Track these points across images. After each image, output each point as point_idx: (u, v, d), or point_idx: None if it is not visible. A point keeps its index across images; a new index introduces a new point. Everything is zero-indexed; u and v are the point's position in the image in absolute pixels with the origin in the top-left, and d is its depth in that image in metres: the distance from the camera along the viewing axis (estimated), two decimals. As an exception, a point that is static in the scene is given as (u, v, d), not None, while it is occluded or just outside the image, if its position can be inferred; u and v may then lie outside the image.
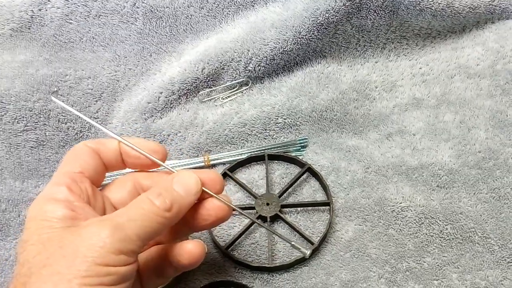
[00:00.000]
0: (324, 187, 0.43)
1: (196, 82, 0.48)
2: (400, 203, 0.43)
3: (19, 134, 0.47)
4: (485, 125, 0.48)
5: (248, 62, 0.48)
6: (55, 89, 0.37)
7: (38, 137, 0.47)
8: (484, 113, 0.49)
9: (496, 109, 0.49)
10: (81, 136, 0.48)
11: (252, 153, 0.46)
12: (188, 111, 0.48)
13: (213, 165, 0.46)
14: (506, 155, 0.45)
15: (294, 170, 0.46)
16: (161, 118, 0.48)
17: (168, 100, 0.48)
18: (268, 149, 0.46)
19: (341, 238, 0.42)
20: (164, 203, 0.27)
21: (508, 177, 0.44)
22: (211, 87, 0.48)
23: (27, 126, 0.47)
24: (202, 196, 0.30)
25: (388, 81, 0.51)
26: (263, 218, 0.42)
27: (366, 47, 0.52)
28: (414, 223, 0.42)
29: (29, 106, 0.47)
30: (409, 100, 0.50)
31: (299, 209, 0.43)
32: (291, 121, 0.48)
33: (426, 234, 0.41)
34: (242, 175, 0.46)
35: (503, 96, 0.50)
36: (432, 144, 0.47)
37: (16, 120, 0.47)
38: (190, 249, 0.29)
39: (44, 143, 0.47)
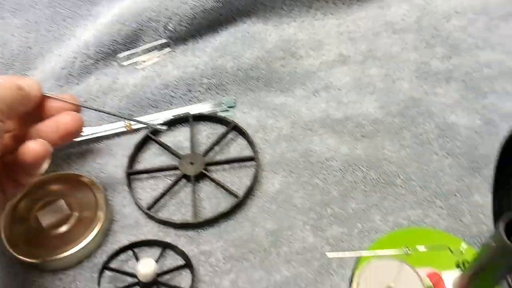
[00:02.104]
0: (250, 143, 0.47)
1: (113, 45, 0.51)
2: (325, 153, 0.47)
3: None
4: (409, 77, 0.53)
5: (168, 22, 0.51)
6: None
7: None
8: (409, 65, 0.54)
9: (420, 61, 0.55)
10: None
11: (176, 115, 0.49)
12: (106, 76, 0.51)
13: (136, 130, 0.49)
14: (429, 102, 0.51)
15: (222, 130, 0.50)
16: (78, 84, 0.50)
17: (84, 65, 0.50)
18: (194, 110, 0.50)
19: (268, 191, 0.46)
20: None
21: (430, 123, 0.50)
22: (130, 50, 0.51)
23: None
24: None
25: (315, 39, 0.56)
26: (187, 178, 0.45)
27: (292, 6, 0.57)
28: (339, 171, 0.47)
29: None
30: (335, 57, 0.55)
31: (226, 167, 0.47)
32: (216, 82, 0.51)
33: (351, 181, 0.46)
34: (167, 138, 0.49)
35: (428, 48, 0.56)
36: (358, 98, 0.52)
37: None
38: (31, 147, 0.35)
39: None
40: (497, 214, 0.39)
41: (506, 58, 0.55)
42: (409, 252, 0.31)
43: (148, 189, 0.46)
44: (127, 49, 0.51)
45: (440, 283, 0.37)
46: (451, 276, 0.37)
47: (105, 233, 0.43)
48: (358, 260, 0.40)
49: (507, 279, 0.35)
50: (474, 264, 0.33)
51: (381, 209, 0.45)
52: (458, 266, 0.37)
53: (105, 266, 0.40)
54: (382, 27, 0.58)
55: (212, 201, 0.45)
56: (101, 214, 0.43)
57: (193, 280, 0.40)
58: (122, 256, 0.42)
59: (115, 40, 0.50)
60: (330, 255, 0.40)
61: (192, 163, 0.46)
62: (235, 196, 0.44)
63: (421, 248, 0.31)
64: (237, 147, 0.49)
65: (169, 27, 0.51)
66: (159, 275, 0.40)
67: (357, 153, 0.48)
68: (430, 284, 0.37)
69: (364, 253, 0.40)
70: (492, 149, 0.47)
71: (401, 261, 0.37)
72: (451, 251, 0.31)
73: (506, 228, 0.30)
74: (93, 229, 0.42)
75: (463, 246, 0.31)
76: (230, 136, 0.49)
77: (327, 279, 0.41)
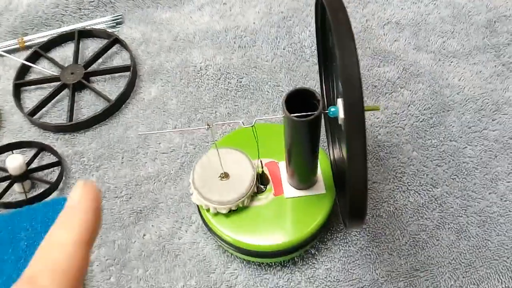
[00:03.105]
0: (130, 53, 0.48)
1: (6, -34, 0.51)
2: (201, 63, 0.48)
3: None
4: (294, -11, 0.52)
5: None
6: None
7: None
8: (296, -22, 0.53)
9: (308, -26, 0.53)
10: None
11: (64, 32, 0.50)
12: (3, -3, 0.52)
13: (29, 47, 0.50)
14: (307, 13, 0.50)
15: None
16: (-24, 6, 0.51)
17: (-20, -13, 0.51)
18: (83, 27, 0.50)
19: (144, 98, 0.47)
20: None
21: (306, 32, 0.49)
22: (24, -29, 0.52)
23: None
24: None
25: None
26: (67, 86, 0.47)
27: None
28: (212, 80, 0.47)
29: None
30: (227, -27, 0.54)
31: (107, 77, 0.48)
32: (105, 0, 0.52)
33: (222, 88, 0.47)
34: (56, 53, 0.50)
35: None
36: (241, 10, 0.51)
37: None
38: None
39: None
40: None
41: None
42: (208, 127, 0.32)
43: (35, 99, 0.48)
44: (20, -30, 0.52)
45: (275, 168, 0.39)
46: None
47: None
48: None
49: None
50: (285, 144, 0.34)
51: (246, 112, 0.46)
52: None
53: (-17, 163, 0.43)
54: None
55: (91, 108, 0.47)
56: (-15, 120, 0.45)
57: (61, 175, 0.42)
58: (3, 156, 0.45)
59: (4, -40, 0.51)
60: (141, 133, 0.43)
61: (73, 73, 0.47)
62: (108, 100, 0.46)
63: (218, 122, 0.34)
64: (119, 60, 0.50)
65: None
66: (32, 171, 0.43)
67: (232, 62, 0.48)
68: (263, 169, 0.38)
69: (167, 131, 0.43)
70: (366, 52, 0.47)
71: (234, 149, 0.38)
72: (243, 124, 0.32)
73: (286, 102, 0.30)
74: (-23, 133, 0.44)
75: (255, 119, 0.32)
76: (114, 49, 0.50)
77: (186, 175, 0.43)
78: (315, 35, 0.49)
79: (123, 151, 0.44)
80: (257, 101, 0.46)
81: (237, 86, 0.47)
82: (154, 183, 0.42)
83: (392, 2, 0.51)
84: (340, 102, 0.31)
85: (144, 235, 0.40)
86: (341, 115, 0.31)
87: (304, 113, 0.30)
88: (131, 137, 0.45)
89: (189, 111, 0.46)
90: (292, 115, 0.30)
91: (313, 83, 0.46)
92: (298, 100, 0.31)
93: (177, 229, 0.40)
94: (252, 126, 0.31)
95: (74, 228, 0.18)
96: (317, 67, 0.47)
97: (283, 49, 0.48)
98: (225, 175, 0.37)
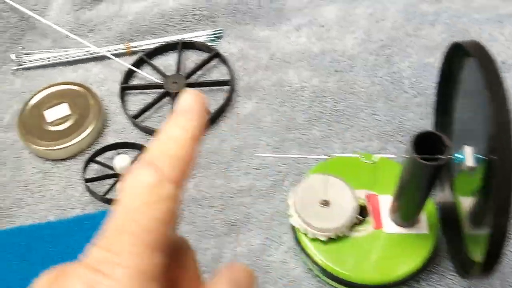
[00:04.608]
0: (229, 68, 0.48)
1: (121, -24, 0.52)
2: (297, 83, 0.47)
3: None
4: (393, 17, 0.50)
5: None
6: None
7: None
8: (396, 7, 0.51)
9: (408, 3, 0.51)
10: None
11: (168, 41, 0.50)
12: (114, 4, 0.53)
13: (134, 52, 0.51)
14: (407, 43, 0.48)
15: (206, 57, 0.50)
16: (91, 10, 0.53)
17: (96, -7, 0.52)
18: (185, 39, 0.50)
19: (239, 113, 0.46)
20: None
21: (405, 62, 0.47)
22: (136, -19, 0.52)
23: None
24: None
25: (308, -22, 0.54)
26: (170, 95, 0.47)
27: None
28: (307, 101, 0.46)
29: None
30: (325, -4, 0.53)
31: (205, 89, 0.48)
32: (207, 14, 0.51)
33: (317, 111, 0.45)
34: (159, 61, 0.51)
35: (420, -8, 0.51)
36: (338, 34, 0.50)
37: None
38: None
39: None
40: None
41: (500, 4, 0.50)
42: (327, 157, 0.31)
43: (138, 102, 0.48)
44: (133, -20, 0.52)
45: (375, 202, 0.37)
46: (387, 199, 0.37)
47: (97, 134, 0.46)
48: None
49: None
50: (398, 180, 0.32)
51: (341, 138, 0.44)
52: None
53: (91, 159, 0.44)
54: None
55: (189, 117, 0.47)
56: (95, 118, 0.46)
57: (160, 180, 0.42)
58: (109, 154, 0.45)
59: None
60: (258, 154, 0.42)
61: (175, 83, 0.47)
62: (207, 113, 0.45)
63: (338, 154, 0.32)
64: (218, 73, 0.49)
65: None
66: (133, 173, 0.43)
67: (328, 85, 0.47)
68: (364, 201, 0.37)
69: (289, 155, 0.42)
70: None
71: (336, 177, 0.37)
72: (364, 159, 0.30)
73: (415, 143, 0.29)
74: (87, 129, 0.45)
75: (376, 156, 0.30)
76: (213, 63, 0.49)
77: (277, 193, 0.42)
78: (415, 67, 0.46)
79: (218, 162, 0.43)
80: (353, 127, 0.44)
81: (332, 110, 0.45)
82: (246, 197, 0.41)
83: (495, 37, 0.48)
84: (468, 149, 0.29)
85: (235, 247, 0.39)
86: (468, 163, 0.29)
87: (429, 155, 0.28)
88: (226, 149, 0.44)
89: (282, 130, 0.45)
90: (420, 156, 0.28)
91: (413, 115, 0.43)
92: (420, 141, 0.29)
93: (267, 246, 0.39)
94: (373, 163, 0.30)
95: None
96: (416, 99, 0.45)
97: (381, 77, 0.46)
98: (326, 203, 0.36)
